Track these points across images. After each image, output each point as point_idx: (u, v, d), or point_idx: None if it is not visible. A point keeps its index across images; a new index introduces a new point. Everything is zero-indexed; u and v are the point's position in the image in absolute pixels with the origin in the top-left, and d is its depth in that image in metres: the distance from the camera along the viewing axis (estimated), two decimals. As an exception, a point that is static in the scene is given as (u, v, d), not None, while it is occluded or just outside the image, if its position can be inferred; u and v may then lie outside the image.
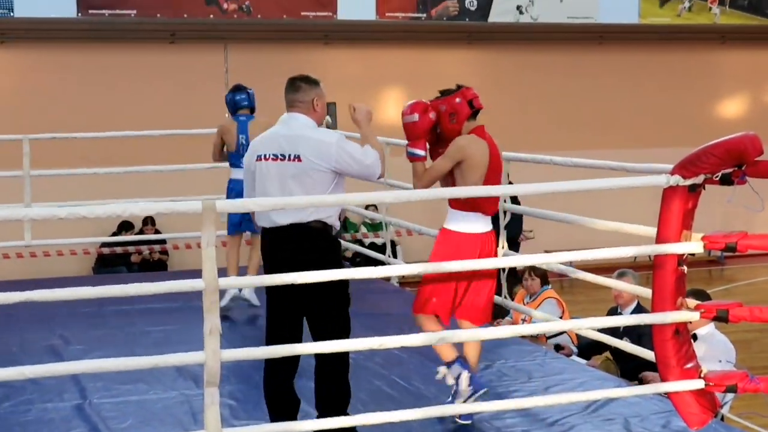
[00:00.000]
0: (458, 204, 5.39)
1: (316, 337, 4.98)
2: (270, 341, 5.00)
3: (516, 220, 9.27)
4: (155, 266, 13.65)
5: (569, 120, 16.02)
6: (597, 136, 16.04)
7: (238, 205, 5.05)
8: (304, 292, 4.84)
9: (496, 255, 5.56)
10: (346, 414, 4.92)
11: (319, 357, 5.00)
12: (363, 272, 4.67)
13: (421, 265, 4.96)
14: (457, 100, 5.43)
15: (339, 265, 4.99)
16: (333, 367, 5.02)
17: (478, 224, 5.41)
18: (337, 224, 5.05)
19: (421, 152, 5.42)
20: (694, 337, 6.56)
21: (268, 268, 5.06)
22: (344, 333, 5.02)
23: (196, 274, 4.24)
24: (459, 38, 15.61)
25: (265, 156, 5.04)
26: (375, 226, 14.26)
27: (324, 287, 4.75)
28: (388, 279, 9.31)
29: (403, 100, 15.10)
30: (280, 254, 4.98)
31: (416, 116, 5.39)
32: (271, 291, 5.01)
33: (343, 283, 4.95)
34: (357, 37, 15.15)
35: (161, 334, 7.26)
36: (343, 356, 5.03)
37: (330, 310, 4.99)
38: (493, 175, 5.43)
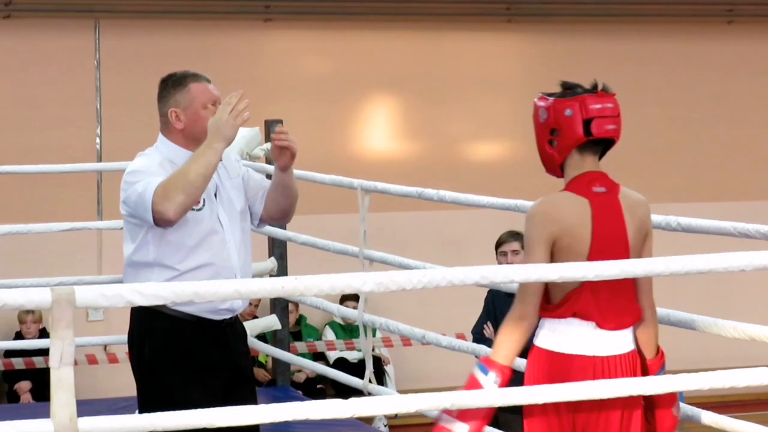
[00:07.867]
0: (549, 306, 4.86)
1: None
2: None
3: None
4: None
5: (660, 141, 14.69)
6: (702, 174, 14.60)
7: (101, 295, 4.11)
8: None
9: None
10: None
11: None
12: (326, 409, 4.12)
13: (422, 396, 4.47)
14: (567, 111, 4.72)
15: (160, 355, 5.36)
16: None
17: (587, 340, 4.76)
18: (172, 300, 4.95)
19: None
20: None
21: None
22: None
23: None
24: (493, 14, 14.40)
25: None
26: (349, 330, 12.84)
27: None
28: (369, 420, 9.66)
29: (392, 110, 15.02)
30: None
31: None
32: None
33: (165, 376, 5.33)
34: (314, 11, 13.91)
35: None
36: None
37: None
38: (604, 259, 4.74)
